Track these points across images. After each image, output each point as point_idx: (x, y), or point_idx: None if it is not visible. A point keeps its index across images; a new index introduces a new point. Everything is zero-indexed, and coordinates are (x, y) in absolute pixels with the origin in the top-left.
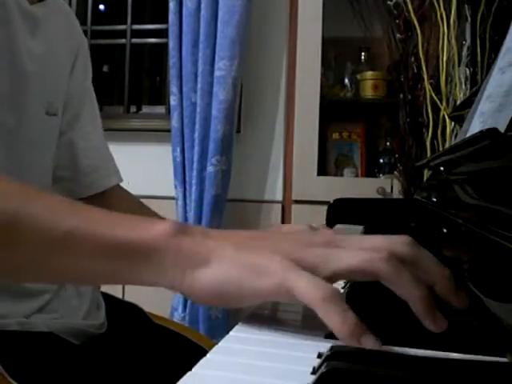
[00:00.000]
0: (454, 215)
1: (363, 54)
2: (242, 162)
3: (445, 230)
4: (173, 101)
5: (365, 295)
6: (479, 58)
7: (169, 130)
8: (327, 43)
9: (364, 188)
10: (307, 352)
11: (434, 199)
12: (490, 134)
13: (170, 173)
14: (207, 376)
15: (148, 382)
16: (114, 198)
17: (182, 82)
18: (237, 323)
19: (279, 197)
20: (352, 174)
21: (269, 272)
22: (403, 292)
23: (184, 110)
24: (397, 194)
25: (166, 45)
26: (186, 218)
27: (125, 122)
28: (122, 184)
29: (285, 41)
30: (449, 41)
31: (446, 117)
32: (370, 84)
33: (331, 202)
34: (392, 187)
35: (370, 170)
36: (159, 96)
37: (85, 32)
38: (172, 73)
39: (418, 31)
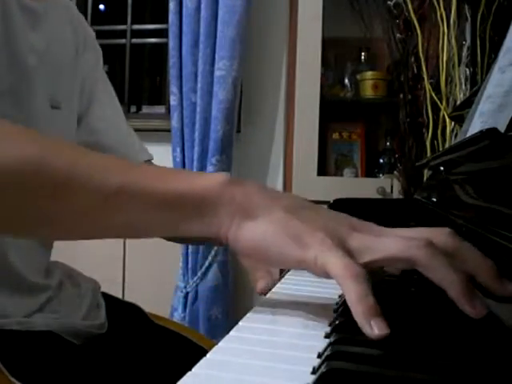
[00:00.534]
0: (453, 215)
1: (363, 53)
2: (242, 162)
3: None
4: (173, 101)
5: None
6: (479, 58)
7: (169, 130)
8: (327, 43)
9: (364, 188)
10: (307, 352)
11: (434, 199)
12: (490, 133)
13: None
14: (207, 376)
15: (148, 382)
16: None
17: (182, 82)
18: (237, 323)
19: None
20: (352, 173)
21: (309, 246)
22: (439, 277)
23: (184, 110)
24: (397, 194)
25: (166, 45)
26: None
27: None
28: None
29: (285, 41)
30: (449, 41)
31: (446, 117)
32: (369, 84)
33: (331, 201)
34: (392, 187)
35: (370, 170)
36: (159, 96)
37: None
38: (172, 73)
39: (418, 31)
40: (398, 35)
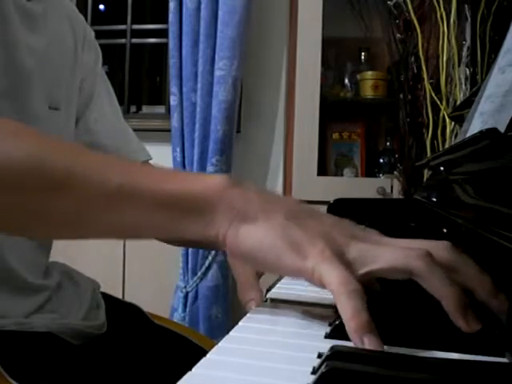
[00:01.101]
0: (453, 215)
1: (363, 53)
2: (242, 161)
3: (445, 230)
4: (173, 101)
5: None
6: (479, 58)
7: (169, 130)
8: (327, 43)
9: (364, 188)
10: (307, 352)
11: (434, 199)
12: (490, 133)
13: None
14: (207, 376)
15: (148, 382)
16: None
17: (182, 82)
18: (237, 323)
19: None
20: (352, 174)
21: (308, 255)
22: (435, 290)
23: (184, 109)
24: (397, 194)
25: (166, 45)
26: None
27: None
28: None
29: (285, 41)
30: (449, 41)
31: (446, 117)
32: (369, 84)
33: (331, 201)
34: (392, 187)
35: (370, 170)
36: (159, 96)
37: None
38: (172, 73)
39: (418, 31)
40: (398, 35)
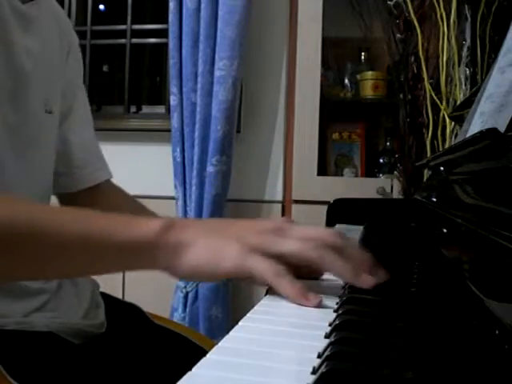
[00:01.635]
0: (453, 215)
1: (363, 53)
2: (242, 162)
3: (445, 230)
4: (173, 101)
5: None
6: (479, 58)
7: (169, 130)
8: (327, 43)
9: (364, 188)
10: (307, 352)
11: (434, 199)
12: (490, 133)
13: (170, 173)
14: (207, 376)
15: (148, 382)
16: (105, 193)
17: (182, 82)
18: (237, 323)
19: (279, 197)
20: (352, 173)
21: (231, 256)
22: (329, 269)
23: (184, 110)
24: (397, 194)
25: (166, 45)
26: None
27: (125, 122)
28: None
29: (285, 41)
30: (449, 41)
31: (446, 117)
32: (369, 84)
33: (331, 202)
34: (392, 187)
35: (370, 170)
36: (159, 96)
37: (85, 32)
38: (172, 73)
39: (418, 31)
40: (398, 35)
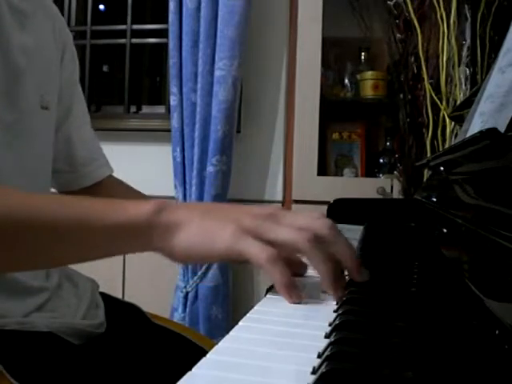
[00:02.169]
0: (453, 215)
1: (363, 53)
2: (242, 161)
3: (445, 230)
4: (173, 101)
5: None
6: (479, 58)
7: (169, 130)
8: (327, 43)
9: (364, 188)
10: (307, 352)
11: (434, 199)
12: (490, 133)
13: (170, 173)
14: (207, 376)
15: (148, 382)
16: (109, 187)
17: (182, 82)
18: (237, 323)
19: (279, 197)
20: (352, 174)
21: (224, 238)
22: (315, 266)
23: (184, 110)
24: (397, 194)
25: (166, 45)
26: None
27: (125, 122)
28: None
29: (285, 41)
30: (449, 41)
31: (446, 117)
32: (369, 84)
33: (331, 202)
34: (392, 187)
35: (370, 170)
36: (159, 96)
37: (85, 32)
38: (172, 73)
39: (418, 31)
40: (398, 35)
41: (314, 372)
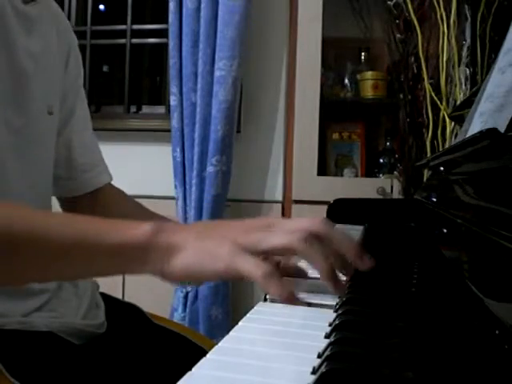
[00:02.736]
0: (453, 215)
1: (363, 53)
2: (242, 162)
3: (445, 230)
4: (173, 101)
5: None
6: (479, 58)
7: (169, 130)
8: (327, 43)
9: (364, 188)
10: (307, 352)
11: (434, 199)
12: (490, 133)
13: (170, 173)
14: (207, 376)
15: (148, 382)
16: (107, 195)
17: (182, 82)
18: (237, 323)
19: (279, 197)
20: (352, 173)
21: (221, 257)
22: (313, 264)
23: (184, 110)
24: (397, 194)
25: (166, 45)
26: (185, 218)
27: (125, 122)
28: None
29: (285, 41)
30: (449, 41)
31: (446, 117)
32: (369, 84)
33: (331, 202)
34: (392, 187)
35: (370, 170)
36: (159, 96)
37: (85, 32)
38: (172, 73)
39: (418, 31)
40: (398, 35)
41: (313, 372)
